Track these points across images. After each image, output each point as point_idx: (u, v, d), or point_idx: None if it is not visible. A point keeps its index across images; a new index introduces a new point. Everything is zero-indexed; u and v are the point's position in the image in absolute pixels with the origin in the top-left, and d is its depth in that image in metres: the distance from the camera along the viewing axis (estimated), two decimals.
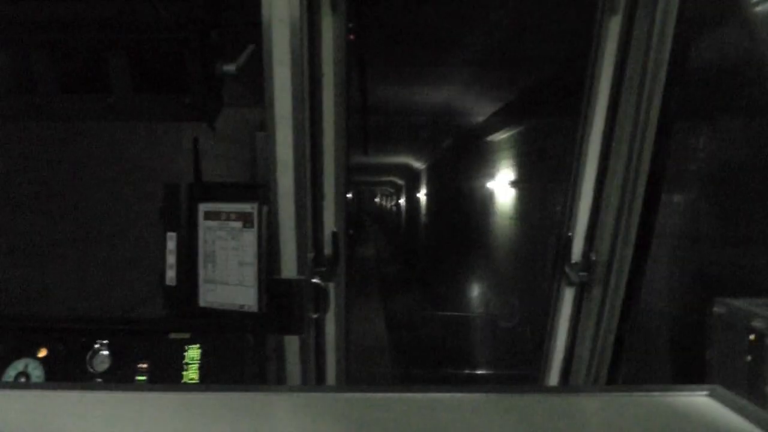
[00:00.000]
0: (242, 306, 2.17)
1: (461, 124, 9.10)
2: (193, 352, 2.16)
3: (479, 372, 7.06)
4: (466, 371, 7.11)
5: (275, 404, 1.19)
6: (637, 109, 2.20)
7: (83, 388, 1.24)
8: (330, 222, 2.49)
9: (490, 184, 8.76)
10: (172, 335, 2.19)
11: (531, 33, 4.69)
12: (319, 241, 2.42)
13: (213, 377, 2.15)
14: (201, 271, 2.24)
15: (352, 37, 2.44)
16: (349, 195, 2.56)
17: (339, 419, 1.08)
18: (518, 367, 6.24)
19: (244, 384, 2.14)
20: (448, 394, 1.18)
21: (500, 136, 7.99)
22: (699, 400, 1.13)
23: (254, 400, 1.18)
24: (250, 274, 2.16)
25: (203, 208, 2.23)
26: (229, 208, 2.19)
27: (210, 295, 2.23)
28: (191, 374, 2.14)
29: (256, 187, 2.18)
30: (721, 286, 2.20)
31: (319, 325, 2.51)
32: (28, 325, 2.25)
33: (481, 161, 9.36)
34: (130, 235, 2.94)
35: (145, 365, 2.17)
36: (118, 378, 2.14)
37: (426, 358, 8.13)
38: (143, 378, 2.16)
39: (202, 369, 2.16)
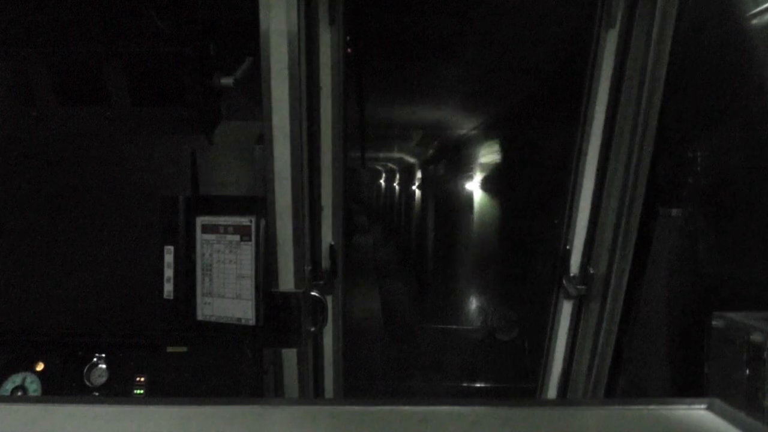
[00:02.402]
0: (240, 319, 2.17)
1: (455, 133, 9.14)
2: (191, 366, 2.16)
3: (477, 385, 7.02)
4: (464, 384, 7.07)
5: (273, 417, 1.19)
6: (635, 122, 2.20)
7: (80, 401, 1.24)
8: (328, 235, 2.49)
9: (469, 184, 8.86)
10: (170, 348, 2.19)
11: (528, 47, 4.71)
12: (316, 254, 2.42)
13: (210, 390, 2.15)
14: (198, 285, 2.24)
15: (349, 50, 2.45)
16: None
17: None
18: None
19: (241, 397, 2.13)
20: (446, 407, 1.17)
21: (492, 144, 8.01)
22: (697, 414, 1.13)
23: (252, 413, 1.17)
24: (248, 288, 2.16)
25: (201, 221, 2.23)
26: (227, 221, 2.19)
27: (207, 309, 2.23)
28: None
29: (254, 200, 2.18)
30: (719, 300, 2.19)
31: (317, 338, 2.51)
32: (25, 339, 2.24)
33: (462, 162, 9.45)
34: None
35: (142, 378, 2.17)
36: (116, 391, 2.14)
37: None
38: (141, 391, 2.16)
39: (200, 382, 2.15)
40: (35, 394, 2.12)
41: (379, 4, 3.81)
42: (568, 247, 2.53)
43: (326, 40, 2.28)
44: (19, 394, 2.11)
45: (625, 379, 2.44)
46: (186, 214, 2.26)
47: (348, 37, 2.42)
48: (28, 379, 2.15)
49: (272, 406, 1.30)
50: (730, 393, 1.71)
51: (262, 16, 1.93)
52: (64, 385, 2.15)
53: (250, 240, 2.15)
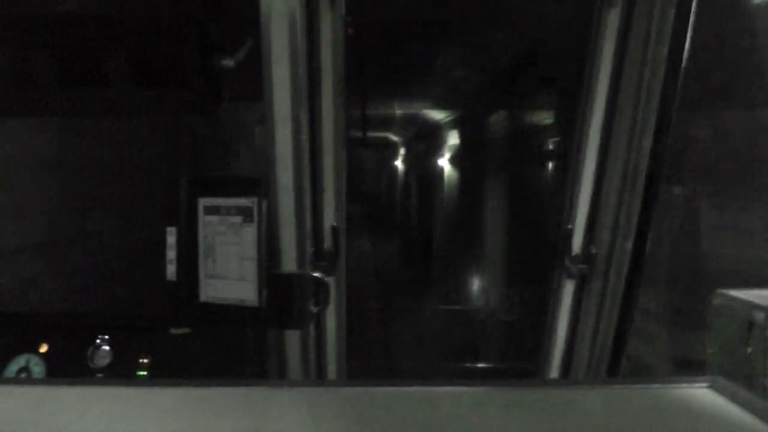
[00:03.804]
0: (243, 301, 2.17)
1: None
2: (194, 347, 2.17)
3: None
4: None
5: (276, 399, 1.19)
6: (637, 102, 2.19)
7: (84, 383, 1.25)
8: (330, 216, 2.48)
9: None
10: (173, 330, 2.20)
11: (531, 26, 4.68)
12: (319, 235, 2.42)
13: (214, 372, 2.15)
14: (201, 266, 2.24)
15: (351, 31, 2.44)
16: None
17: (340, 413, 1.08)
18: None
19: (245, 379, 2.14)
20: (448, 388, 1.18)
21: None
22: (699, 392, 1.13)
23: (255, 395, 1.18)
24: (251, 269, 2.16)
25: (203, 202, 2.23)
26: (229, 202, 2.19)
27: (210, 290, 2.23)
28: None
29: (256, 182, 2.18)
30: (720, 278, 2.20)
31: (320, 320, 2.51)
32: (29, 321, 2.25)
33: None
34: None
35: (146, 360, 2.17)
36: (119, 373, 2.15)
37: None
38: (144, 373, 2.17)
39: (203, 364, 2.16)
40: (39, 375, 2.13)
41: None
42: (570, 226, 2.53)
43: (327, 20, 2.27)
44: (24, 375, 2.12)
45: (627, 358, 2.45)
46: (188, 195, 2.26)
47: (349, 18, 2.40)
48: (32, 361, 2.15)
49: (275, 387, 1.31)
50: (732, 371, 1.72)
51: None
52: (68, 367, 2.16)
53: (252, 221, 2.15)
